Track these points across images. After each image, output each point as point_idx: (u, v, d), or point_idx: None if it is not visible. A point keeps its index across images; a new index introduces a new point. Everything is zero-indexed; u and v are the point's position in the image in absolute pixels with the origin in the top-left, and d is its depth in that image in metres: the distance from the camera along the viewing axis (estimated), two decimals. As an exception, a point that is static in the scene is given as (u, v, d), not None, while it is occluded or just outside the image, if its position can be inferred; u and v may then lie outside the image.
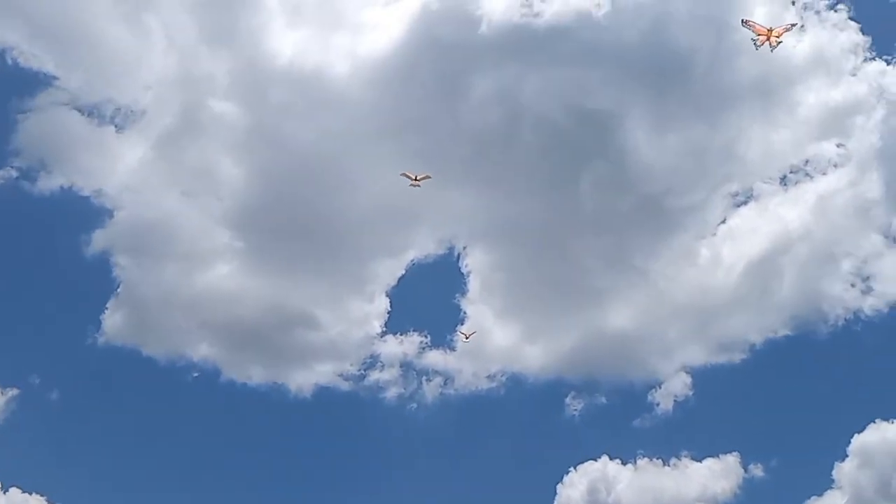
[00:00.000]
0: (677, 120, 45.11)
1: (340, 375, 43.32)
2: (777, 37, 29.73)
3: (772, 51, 30.30)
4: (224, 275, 44.11)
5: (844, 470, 37.29)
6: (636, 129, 44.45)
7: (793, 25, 31.43)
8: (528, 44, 45.40)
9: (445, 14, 45.31)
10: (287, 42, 45.70)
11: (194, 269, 44.11)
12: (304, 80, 45.19)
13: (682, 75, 44.56)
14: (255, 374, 43.18)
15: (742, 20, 30.32)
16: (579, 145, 44.51)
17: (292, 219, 44.66)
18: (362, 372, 43.42)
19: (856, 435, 37.76)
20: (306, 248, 44.97)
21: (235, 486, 40.67)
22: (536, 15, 44.95)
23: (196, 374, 42.60)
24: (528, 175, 44.89)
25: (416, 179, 36.66)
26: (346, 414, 43.25)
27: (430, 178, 36.93)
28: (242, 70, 45.25)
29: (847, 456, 37.45)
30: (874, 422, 37.70)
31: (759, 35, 29.75)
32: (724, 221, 44.70)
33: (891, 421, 37.58)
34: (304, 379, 43.18)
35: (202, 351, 42.80)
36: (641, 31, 44.65)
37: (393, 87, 44.92)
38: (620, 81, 44.74)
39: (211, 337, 43.28)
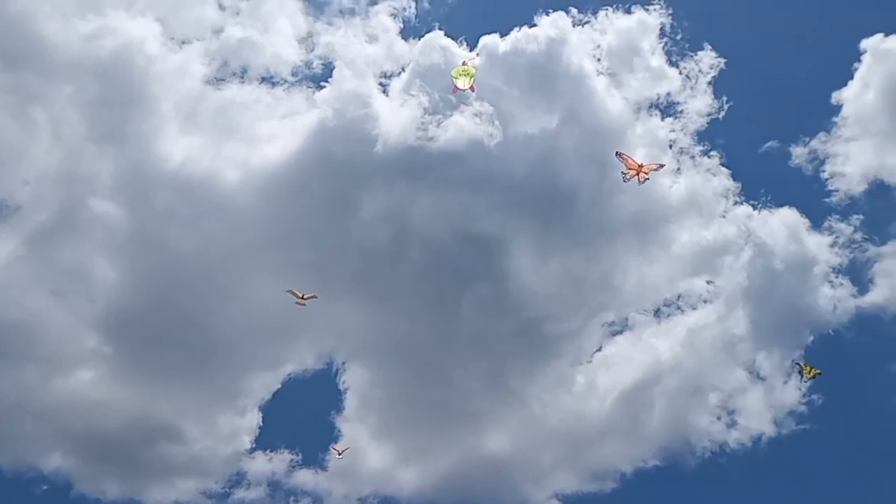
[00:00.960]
0: (559, 249, 46.22)
1: (203, 493, 41.62)
2: (646, 173, 31.10)
3: (639, 184, 31.55)
4: (87, 381, 42.01)
5: None
6: (519, 256, 45.35)
7: (661, 166, 32.70)
8: (420, 166, 46.27)
9: (342, 131, 45.81)
10: (178, 147, 45.17)
11: (55, 374, 41.74)
12: (193, 186, 44.56)
13: (566, 207, 46.09)
14: (109, 489, 40.80)
15: (616, 152, 31.72)
16: (464, 268, 45.04)
17: (167, 326, 43.21)
18: (227, 490, 41.83)
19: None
20: (179, 357, 43.50)
21: None
22: (431, 139, 45.87)
23: (45, 487, 39.98)
24: (412, 295, 44.99)
25: (302, 298, 36.15)
26: (206, 536, 41.04)
27: (315, 297, 36.42)
28: (129, 171, 44.36)
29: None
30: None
31: (629, 169, 31.09)
32: (599, 349, 45.24)
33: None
34: (163, 495, 41.28)
35: (54, 462, 40.32)
36: (529, 162, 46.18)
37: (283, 198, 44.75)
38: (507, 209, 45.91)
39: (65, 447, 40.93)
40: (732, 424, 42.30)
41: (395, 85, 48.36)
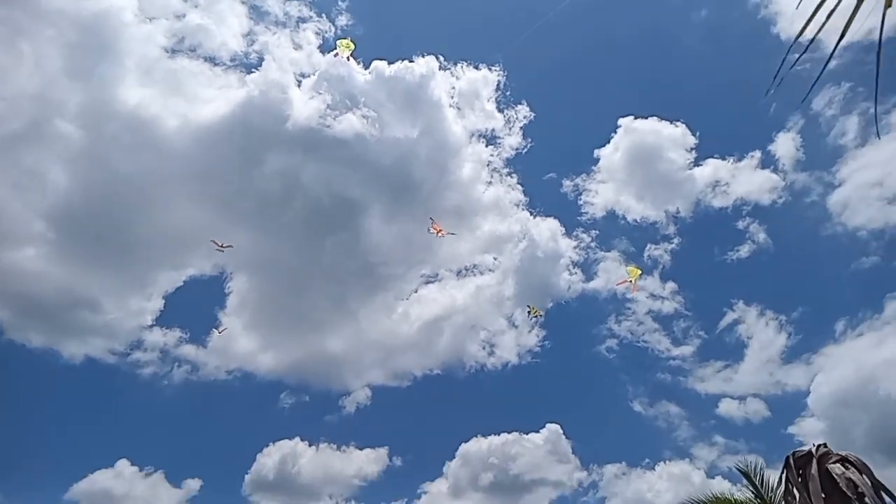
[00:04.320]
0: (401, 219, 56.44)
1: (109, 350, 48.37)
2: (443, 235, 42.07)
3: (437, 235, 41.89)
4: (31, 256, 47.95)
5: (452, 467, 48.41)
6: (372, 217, 55.32)
7: (452, 234, 43.69)
8: (316, 143, 53.50)
9: (263, 106, 52.47)
10: (135, 94, 50.41)
11: (4, 248, 48.16)
12: (141, 125, 50.06)
13: (413, 191, 56.15)
14: (34, 339, 47.77)
15: (430, 217, 41.29)
16: (332, 219, 53.97)
17: (102, 225, 49.41)
18: (127, 351, 48.76)
19: (462, 444, 48.68)
20: (108, 249, 49.71)
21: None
22: (328, 126, 52.80)
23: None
24: (292, 232, 53.67)
25: (221, 246, 40.39)
26: (108, 381, 50.17)
27: (231, 247, 41.45)
28: (92, 104, 49.52)
29: (454, 457, 48.53)
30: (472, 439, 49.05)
31: (435, 229, 40.87)
32: (416, 291, 55.03)
33: (485, 436, 48.42)
34: (77, 349, 48.40)
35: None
36: (394, 157, 54.94)
37: (208, 145, 51.58)
38: (371, 185, 55.18)
39: (2, 302, 48.15)
40: (491, 353, 52.60)
41: (307, 83, 54.99)
